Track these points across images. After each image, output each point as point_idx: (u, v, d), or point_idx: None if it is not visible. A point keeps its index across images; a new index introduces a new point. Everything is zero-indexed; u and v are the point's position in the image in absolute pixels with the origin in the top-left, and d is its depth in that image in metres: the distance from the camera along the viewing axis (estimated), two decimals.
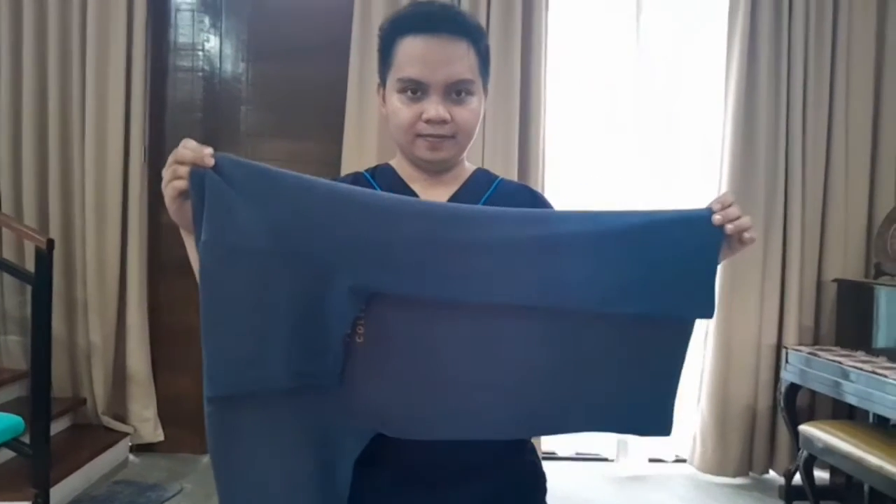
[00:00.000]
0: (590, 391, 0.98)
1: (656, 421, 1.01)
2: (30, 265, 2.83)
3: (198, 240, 0.89)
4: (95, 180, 3.35)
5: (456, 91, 1.07)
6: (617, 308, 0.94)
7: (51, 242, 2.66)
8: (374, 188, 1.14)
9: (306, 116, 3.58)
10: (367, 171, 1.20)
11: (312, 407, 0.94)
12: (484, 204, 1.13)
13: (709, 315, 0.98)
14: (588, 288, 0.93)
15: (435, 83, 1.05)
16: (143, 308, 3.46)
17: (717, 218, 0.97)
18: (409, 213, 0.93)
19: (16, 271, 2.84)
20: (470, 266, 0.92)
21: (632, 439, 3.65)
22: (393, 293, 0.92)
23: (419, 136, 1.08)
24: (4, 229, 3.31)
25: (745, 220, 0.97)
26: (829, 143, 3.50)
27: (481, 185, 1.17)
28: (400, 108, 1.07)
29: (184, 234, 0.99)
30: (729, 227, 0.96)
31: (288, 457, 0.95)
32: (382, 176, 1.17)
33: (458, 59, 1.06)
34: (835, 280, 3.45)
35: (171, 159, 0.93)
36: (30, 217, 3.33)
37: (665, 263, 0.94)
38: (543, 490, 1.18)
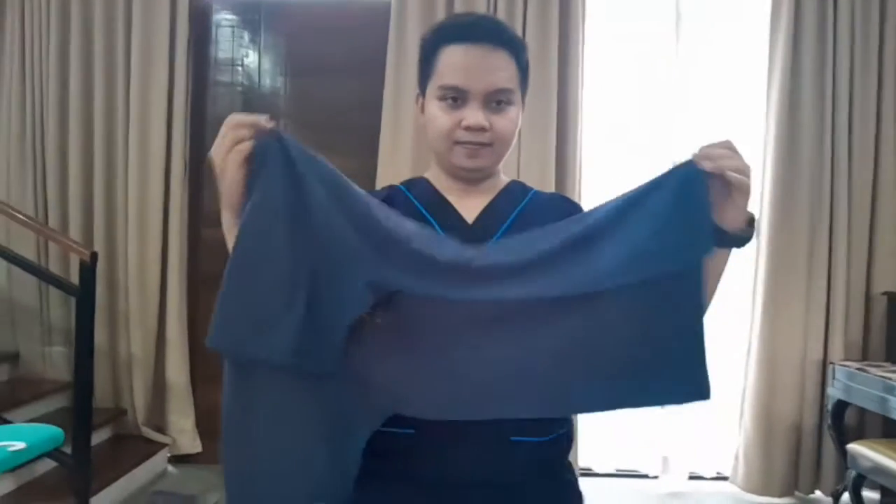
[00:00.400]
0: (612, 366, 0.95)
1: (691, 383, 0.96)
2: (74, 278, 2.88)
3: (243, 206, 0.90)
4: (138, 194, 3.42)
5: (496, 100, 1.07)
6: (624, 279, 0.93)
7: (94, 255, 2.72)
8: (410, 199, 1.14)
9: (342, 131, 3.60)
10: (402, 183, 1.20)
11: (327, 384, 0.93)
12: (518, 214, 1.13)
13: (708, 253, 0.95)
14: (595, 269, 0.93)
15: (475, 91, 1.06)
16: (182, 320, 3.51)
17: (695, 156, 0.94)
18: (443, 248, 0.93)
19: (61, 283, 2.90)
20: (495, 284, 0.93)
21: (673, 455, 3.58)
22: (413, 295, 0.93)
23: (458, 143, 1.08)
24: (51, 242, 3.39)
25: (727, 160, 0.92)
26: (877, 151, 3.39)
27: (516, 196, 1.16)
28: (439, 115, 1.08)
29: (226, 207, 0.98)
30: (707, 164, 0.92)
31: (298, 431, 0.94)
32: (417, 188, 1.16)
33: (498, 68, 1.06)
34: (885, 293, 3.34)
35: (226, 127, 0.94)
36: (75, 230, 3.41)
37: (660, 220, 0.92)
38: None
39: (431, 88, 1.10)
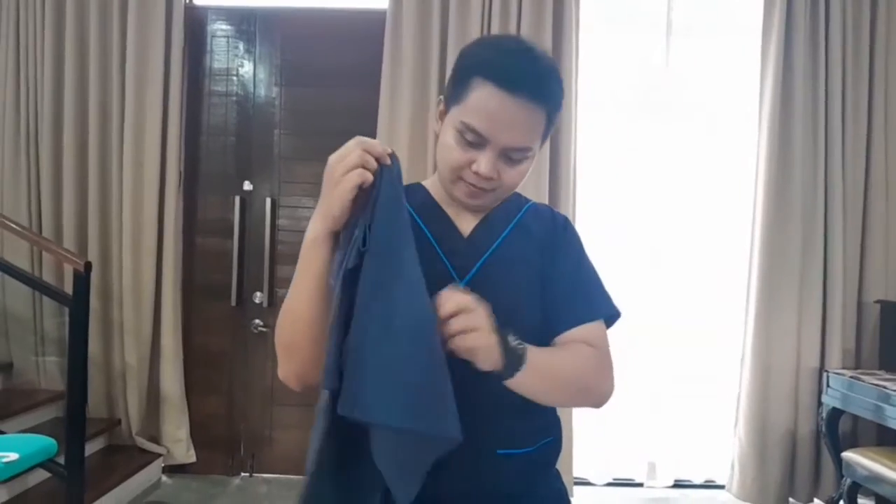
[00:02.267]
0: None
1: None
2: (68, 287, 2.88)
3: (348, 231, 0.92)
4: (132, 204, 3.42)
5: (513, 154, 1.03)
6: None
7: (88, 265, 2.71)
8: (408, 209, 1.13)
9: (338, 140, 3.56)
10: None
11: None
12: (513, 227, 1.13)
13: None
14: None
15: (495, 142, 1.00)
16: (177, 330, 3.50)
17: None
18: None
19: (55, 294, 2.89)
20: None
21: (660, 461, 3.59)
22: None
23: (462, 179, 1.05)
24: (44, 252, 3.38)
25: (451, 327, 0.89)
26: (869, 160, 3.42)
27: (512, 209, 1.15)
28: (453, 147, 1.03)
29: (322, 216, 0.96)
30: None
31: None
32: (415, 197, 1.14)
33: (528, 128, 1.01)
34: (877, 301, 3.35)
35: (357, 144, 0.93)
36: (69, 240, 3.41)
37: None
38: None
39: (454, 113, 1.03)
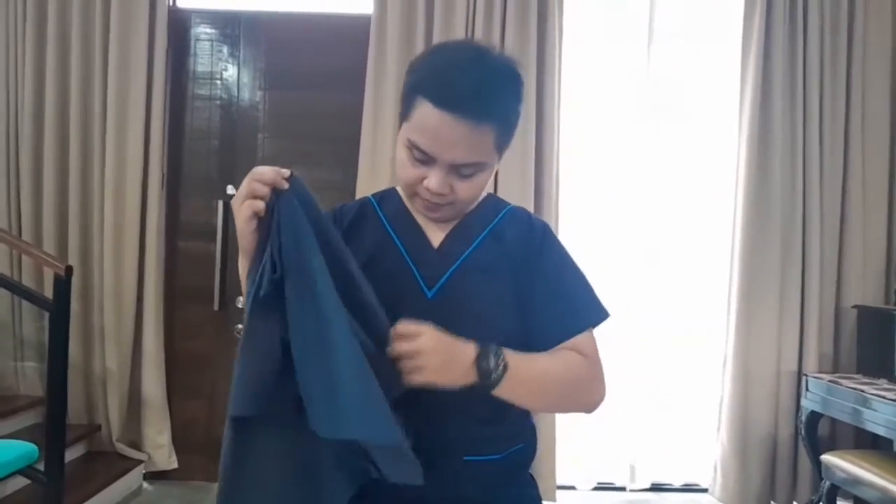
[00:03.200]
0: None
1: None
2: (48, 291, 2.85)
3: (258, 260, 0.93)
4: (114, 207, 3.39)
5: (463, 170, 1.01)
6: None
7: (69, 269, 2.69)
8: (379, 215, 1.14)
9: (322, 144, 3.61)
10: (374, 196, 1.19)
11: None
12: (486, 235, 1.11)
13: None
14: None
15: (442, 160, 0.99)
16: (159, 334, 3.47)
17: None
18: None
19: (35, 298, 2.86)
20: None
21: (641, 464, 3.61)
22: None
23: (418, 194, 1.05)
24: (24, 256, 3.35)
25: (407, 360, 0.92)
26: (846, 167, 3.47)
27: (487, 215, 1.14)
28: (405, 163, 1.03)
29: (241, 250, 1.00)
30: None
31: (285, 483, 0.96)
32: (388, 203, 1.16)
33: (472, 144, 0.98)
34: (854, 306, 3.40)
35: (248, 177, 0.93)
36: (49, 244, 3.37)
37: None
38: None
39: (403, 130, 1.03)
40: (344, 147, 3.48)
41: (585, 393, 1.07)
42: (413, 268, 1.07)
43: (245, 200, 0.92)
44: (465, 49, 1.02)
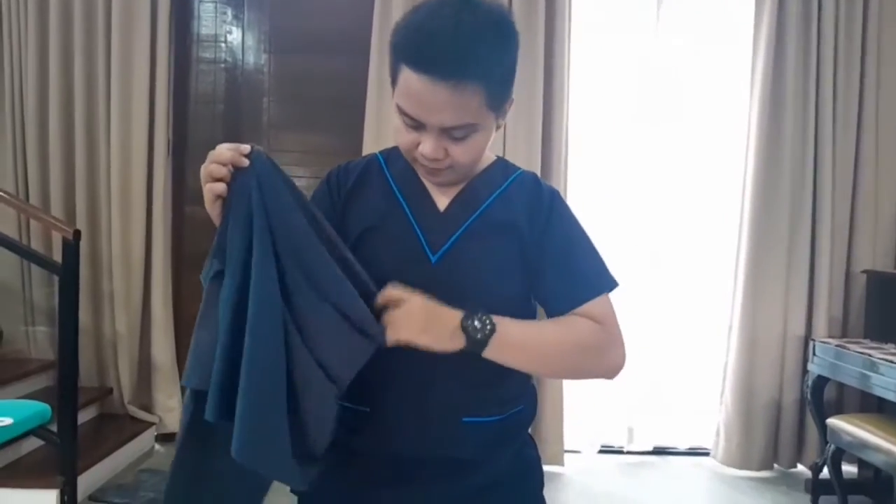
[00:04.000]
0: None
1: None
2: (57, 256, 2.86)
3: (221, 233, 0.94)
4: (121, 172, 3.38)
5: (455, 133, 0.97)
6: None
7: (77, 233, 2.69)
8: (385, 174, 1.11)
9: (327, 109, 3.58)
10: (382, 153, 1.16)
11: None
12: (494, 200, 1.08)
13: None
14: None
15: (430, 124, 0.96)
16: (167, 299, 3.50)
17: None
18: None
19: (44, 262, 2.87)
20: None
21: (643, 427, 3.65)
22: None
23: (416, 160, 1.03)
24: (32, 221, 3.36)
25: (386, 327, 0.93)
26: (859, 132, 3.43)
27: (495, 180, 1.11)
28: (399, 129, 1.01)
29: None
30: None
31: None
32: (395, 163, 1.12)
33: (456, 107, 0.93)
34: (864, 271, 3.38)
35: (207, 160, 0.93)
36: (56, 210, 3.38)
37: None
38: (537, 481, 1.16)
39: (395, 94, 1.00)
40: (349, 111, 3.45)
41: (598, 358, 1.06)
42: (418, 232, 1.05)
43: (206, 183, 0.93)
44: (443, 4, 0.95)
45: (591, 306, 1.06)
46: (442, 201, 1.08)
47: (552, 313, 1.07)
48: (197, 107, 3.64)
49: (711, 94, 3.67)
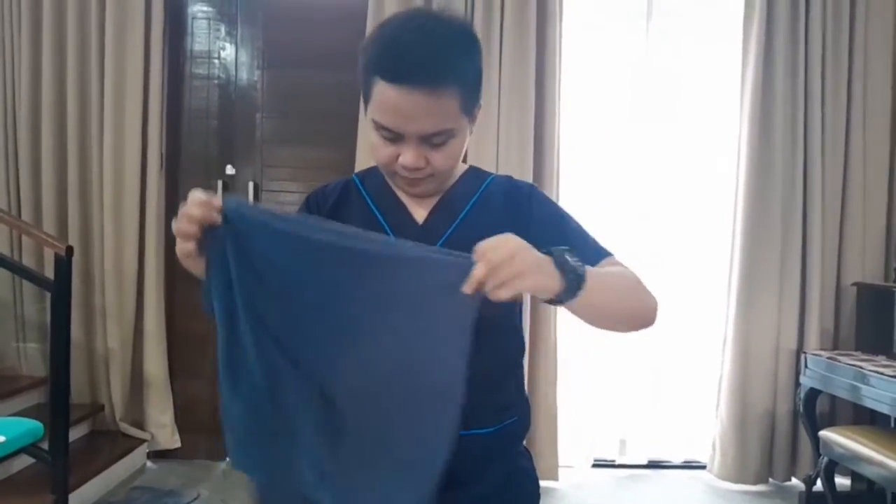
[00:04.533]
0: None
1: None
2: (49, 272, 2.85)
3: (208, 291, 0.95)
4: (114, 187, 3.38)
5: (434, 139, 0.99)
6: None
7: (70, 249, 2.69)
8: (363, 194, 1.13)
9: (320, 123, 3.59)
10: (357, 174, 1.19)
11: None
12: (471, 208, 1.09)
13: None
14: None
15: (409, 134, 0.98)
16: (160, 314, 3.48)
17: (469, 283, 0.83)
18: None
19: (36, 278, 2.87)
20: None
21: (638, 441, 3.64)
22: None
23: (396, 173, 1.04)
24: (24, 237, 3.35)
25: (487, 279, 0.82)
26: (847, 145, 3.46)
27: (470, 188, 1.13)
28: (377, 145, 1.02)
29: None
30: (467, 288, 0.83)
31: None
32: (372, 181, 1.14)
33: (435, 113, 0.96)
34: (854, 284, 3.41)
35: (180, 215, 0.93)
36: (49, 224, 3.37)
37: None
38: (534, 494, 1.16)
39: (369, 112, 1.02)
40: (343, 125, 3.46)
41: (648, 296, 1.05)
42: None
43: (178, 238, 0.93)
44: (410, 18, 1.00)
45: (605, 263, 1.07)
46: (420, 213, 1.10)
47: None
48: (190, 122, 3.65)
49: (702, 96, 3.68)
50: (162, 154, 3.47)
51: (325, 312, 0.91)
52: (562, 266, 0.88)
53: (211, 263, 0.92)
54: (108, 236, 3.39)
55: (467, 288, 0.82)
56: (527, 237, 0.98)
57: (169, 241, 3.56)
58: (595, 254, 1.08)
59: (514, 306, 1.10)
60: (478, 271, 0.82)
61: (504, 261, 0.82)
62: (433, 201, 1.10)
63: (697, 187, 3.69)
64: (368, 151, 3.31)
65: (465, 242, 0.99)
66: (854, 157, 3.46)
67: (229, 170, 3.59)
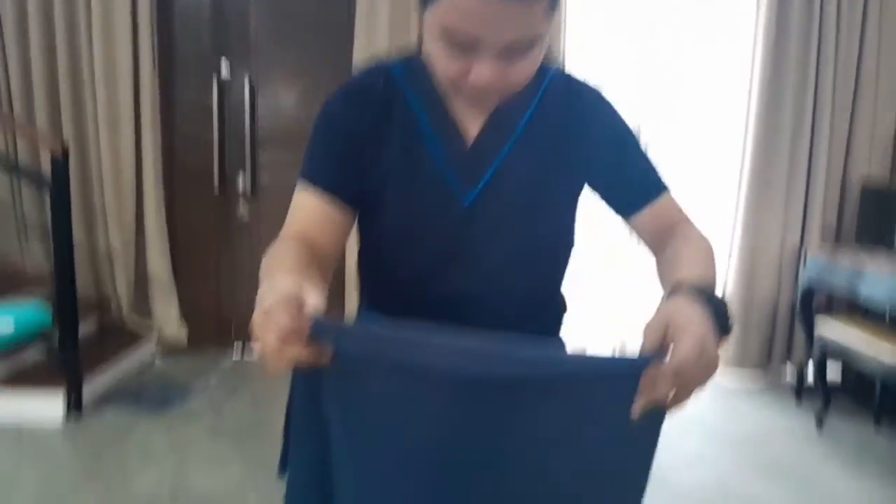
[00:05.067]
0: None
1: None
2: (45, 171, 2.82)
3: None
4: (106, 89, 3.31)
5: (518, 48, 0.79)
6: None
7: (65, 148, 2.65)
8: (407, 99, 0.94)
9: (316, 17, 3.46)
10: (396, 65, 0.96)
11: None
12: (531, 116, 0.93)
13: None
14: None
15: (489, 43, 0.77)
16: (160, 213, 3.48)
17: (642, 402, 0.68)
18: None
19: (34, 179, 2.84)
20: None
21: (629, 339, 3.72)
22: None
23: (462, 89, 0.84)
24: (19, 139, 3.30)
25: (664, 396, 0.68)
26: (862, 45, 3.37)
27: (527, 91, 0.91)
28: (441, 57, 0.81)
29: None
30: (637, 409, 0.69)
31: None
32: (415, 79, 0.94)
33: (525, 15, 0.75)
34: (860, 179, 3.40)
35: (265, 330, 0.65)
36: (42, 126, 3.31)
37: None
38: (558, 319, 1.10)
39: (432, 15, 0.79)
40: (340, 17, 3.35)
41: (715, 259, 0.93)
42: (447, 171, 0.91)
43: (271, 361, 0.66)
44: None
45: (664, 202, 0.97)
46: (471, 130, 0.93)
47: (621, 211, 0.98)
48: (182, 19, 3.51)
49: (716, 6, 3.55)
50: (154, 50, 3.36)
51: (471, 478, 0.69)
52: (723, 329, 0.75)
53: (298, 415, 0.74)
54: (104, 137, 3.34)
55: (638, 409, 0.68)
56: (582, 155, 0.93)
57: (165, 140, 3.51)
58: (654, 188, 0.97)
59: (570, 230, 1.01)
60: (661, 390, 0.67)
61: (698, 380, 0.68)
62: (485, 114, 0.93)
63: (711, 84, 3.61)
64: (366, 46, 3.24)
65: (522, 161, 0.92)
66: (867, 57, 3.37)
67: (223, 65, 3.49)
